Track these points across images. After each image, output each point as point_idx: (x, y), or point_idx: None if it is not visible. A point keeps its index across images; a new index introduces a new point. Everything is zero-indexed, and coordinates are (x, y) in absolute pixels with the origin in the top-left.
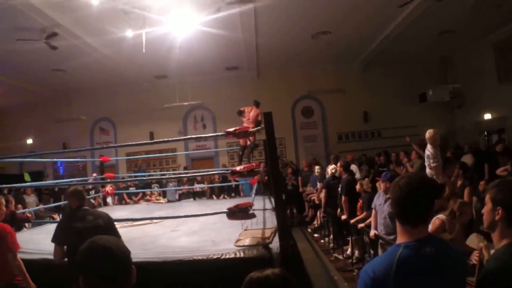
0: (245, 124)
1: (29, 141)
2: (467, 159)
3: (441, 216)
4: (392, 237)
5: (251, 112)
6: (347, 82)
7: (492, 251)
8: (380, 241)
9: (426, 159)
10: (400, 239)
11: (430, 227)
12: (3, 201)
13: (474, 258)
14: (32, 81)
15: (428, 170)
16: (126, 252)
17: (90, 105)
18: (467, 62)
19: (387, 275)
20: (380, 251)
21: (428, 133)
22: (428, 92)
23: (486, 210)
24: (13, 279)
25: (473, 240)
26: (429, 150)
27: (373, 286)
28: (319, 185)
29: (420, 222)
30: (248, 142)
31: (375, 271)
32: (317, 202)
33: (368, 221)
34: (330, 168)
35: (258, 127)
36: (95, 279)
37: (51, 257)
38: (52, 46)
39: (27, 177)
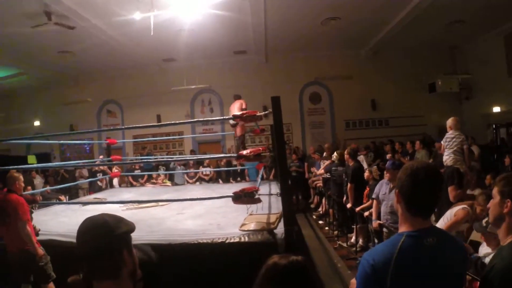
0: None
1: (37, 123)
2: (473, 150)
3: (465, 207)
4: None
5: (235, 105)
6: (356, 69)
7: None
8: (385, 230)
9: (447, 143)
10: (403, 228)
11: (453, 218)
12: (21, 177)
13: None
14: (40, 64)
15: (445, 157)
16: (115, 227)
17: (97, 87)
18: (477, 53)
19: (388, 264)
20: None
21: (451, 120)
22: (437, 82)
23: (493, 203)
24: (25, 246)
25: (477, 234)
26: (453, 134)
27: (373, 274)
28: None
29: (428, 212)
30: (240, 133)
31: (375, 259)
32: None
33: (371, 210)
34: (335, 154)
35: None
36: (85, 253)
37: (58, 238)
38: (70, 26)
39: (31, 159)
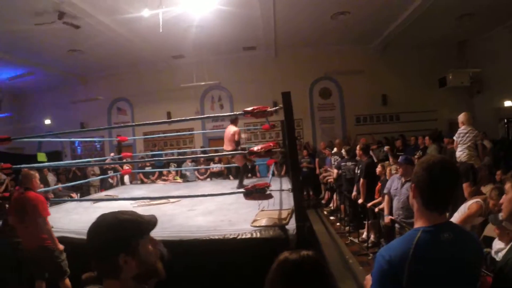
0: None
1: (47, 121)
2: (485, 144)
3: (478, 200)
4: (412, 220)
5: (229, 132)
6: (366, 64)
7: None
8: (397, 225)
9: (461, 139)
10: (418, 223)
11: (466, 212)
12: (37, 175)
13: None
14: (49, 63)
15: (459, 153)
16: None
17: (107, 85)
18: (487, 47)
19: (404, 259)
20: (397, 236)
21: (464, 115)
22: (448, 76)
23: (506, 198)
24: (44, 242)
25: (490, 229)
26: (466, 130)
27: (389, 270)
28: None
29: (444, 207)
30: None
31: (392, 255)
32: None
33: (382, 205)
34: (344, 150)
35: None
36: (89, 252)
37: (69, 235)
38: (75, 26)
39: (41, 157)
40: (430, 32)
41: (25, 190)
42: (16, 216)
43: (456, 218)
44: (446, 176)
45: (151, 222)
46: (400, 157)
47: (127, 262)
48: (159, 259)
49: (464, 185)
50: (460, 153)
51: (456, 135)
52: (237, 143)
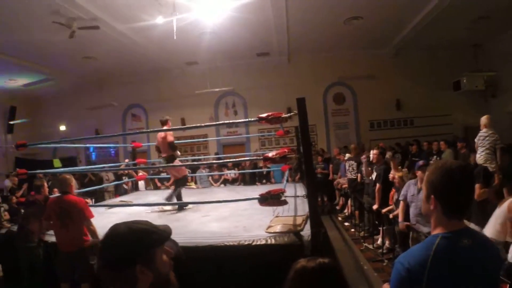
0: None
1: (62, 127)
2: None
3: None
4: (426, 229)
5: (159, 135)
6: (380, 69)
7: None
8: (412, 232)
9: (481, 142)
10: (437, 230)
11: (508, 215)
12: (74, 179)
13: None
14: (65, 69)
15: (477, 155)
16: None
17: (121, 92)
18: (502, 50)
19: (423, 266)
20: (412, 243)
21: (486, 118)
22: (462, 80)
23: None
24: (83, 244)
25: None
26: (487, 133)
27: (408, 277)
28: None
29: (464, 213)
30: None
31: (411, 262)
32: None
33: (396, 212)
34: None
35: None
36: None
37: None
38: (71, 35)
39: (56, 163)
40: (444, 35)
41: (63, 194)
42: (58, 220)
43: (495, 226)
44: (466, 181)
45: (165, 232)
46: (420, 161)
47: (143, 272)
48: (173, 268)
49: (476, 186)
50: (478, 156)
51: (477, 137)
52: (173, 147)
